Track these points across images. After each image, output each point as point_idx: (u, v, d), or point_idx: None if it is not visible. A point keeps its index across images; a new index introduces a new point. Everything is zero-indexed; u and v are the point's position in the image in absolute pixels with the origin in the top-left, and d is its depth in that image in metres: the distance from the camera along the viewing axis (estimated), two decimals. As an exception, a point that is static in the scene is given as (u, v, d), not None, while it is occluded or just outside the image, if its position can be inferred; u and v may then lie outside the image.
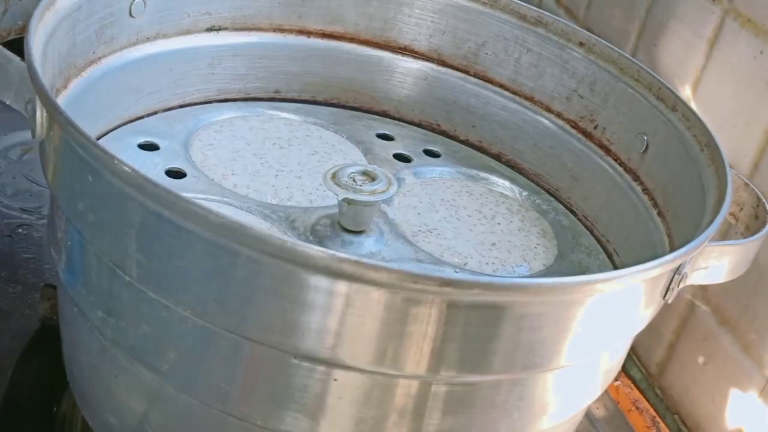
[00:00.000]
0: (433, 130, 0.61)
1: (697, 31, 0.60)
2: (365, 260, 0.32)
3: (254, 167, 0.50)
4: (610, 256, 0.52)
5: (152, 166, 0.49)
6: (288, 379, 0.36)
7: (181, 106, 0.55)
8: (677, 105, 0.49)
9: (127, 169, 0.34)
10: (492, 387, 0.38)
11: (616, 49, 0.53)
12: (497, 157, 0.59)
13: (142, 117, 0.53)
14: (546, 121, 0.57)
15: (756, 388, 0.55)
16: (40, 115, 0.39)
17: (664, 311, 0.43)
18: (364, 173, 0.44)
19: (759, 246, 0.44)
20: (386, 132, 0.59)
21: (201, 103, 0.56)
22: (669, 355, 0.63)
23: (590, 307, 0.37)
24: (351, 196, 0.43)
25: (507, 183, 0.56)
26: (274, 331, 0.34)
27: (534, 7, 0.56)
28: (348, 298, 0.33)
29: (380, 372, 0.36)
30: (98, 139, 0.49)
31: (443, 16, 0.59)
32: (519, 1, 0.57)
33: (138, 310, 0.38)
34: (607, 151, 0.54)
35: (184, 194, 0.33)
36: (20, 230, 0.64)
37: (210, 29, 0.51)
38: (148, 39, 0.51)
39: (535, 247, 0.50)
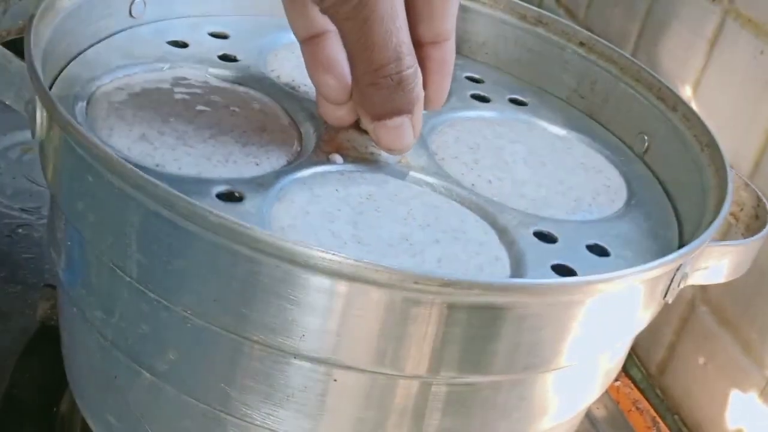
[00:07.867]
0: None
1: (698, 32, 0.60)
2: (365, 260, 0.32)
3: None
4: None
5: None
6: (288, 380, 0.36)
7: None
8: (678, 105, 0.49)
9: (127, 168, 0.33)
10: (492, 387, 0.38)
11: (617, 49, 0.53)
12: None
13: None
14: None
15: (756, 388, 0.55)
16: (40, 115, 0.39)
17: (665, 311, 0.43)
18: None
19: (759, 246, 0.44)
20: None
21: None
22: (669, 355, 0.63)
23: (591, 308, 0.37)
24: None
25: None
26: (274, 331, 0.34)
27: (534, 7, 0.56)
28: (348, 298, 0.33)
29: (380, 372, 0.35)
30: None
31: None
32: (519, 1, 0.57)
33: (138, 310, 0.38)
34: (608, 151, 0.54)
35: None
36: (20, 230, 0.64)
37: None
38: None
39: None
